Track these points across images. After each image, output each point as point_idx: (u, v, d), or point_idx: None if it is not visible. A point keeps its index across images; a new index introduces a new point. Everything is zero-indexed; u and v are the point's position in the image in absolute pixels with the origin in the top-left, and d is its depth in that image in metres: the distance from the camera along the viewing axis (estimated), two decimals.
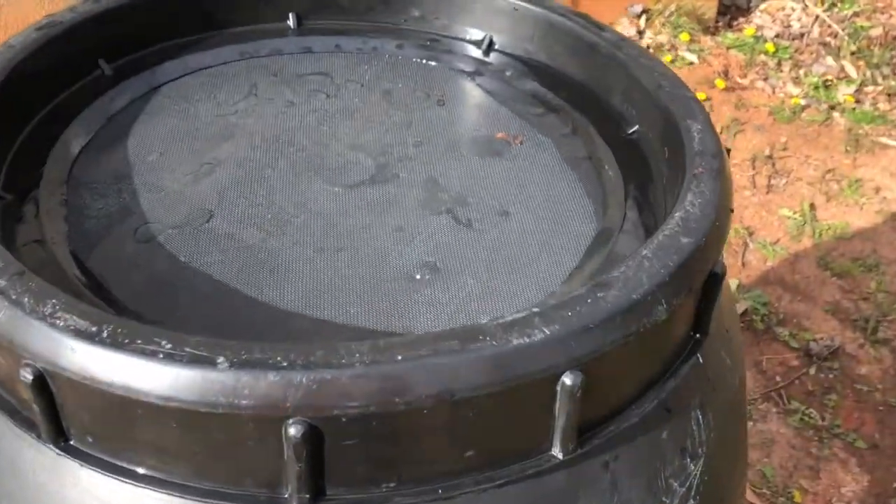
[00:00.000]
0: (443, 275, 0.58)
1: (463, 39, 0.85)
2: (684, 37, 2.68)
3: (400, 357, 0.43)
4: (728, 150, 0.64)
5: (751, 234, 1.97)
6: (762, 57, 2.62)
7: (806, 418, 1.56)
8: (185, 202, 0.63)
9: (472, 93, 0.79)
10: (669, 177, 0.63)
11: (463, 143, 0.72)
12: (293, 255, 0.59)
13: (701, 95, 2.41)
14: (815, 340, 1.70)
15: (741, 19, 2.82)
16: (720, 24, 2.76)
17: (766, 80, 2.55)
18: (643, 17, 2.73)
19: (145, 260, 0.58)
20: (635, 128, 0.71)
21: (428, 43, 0.85)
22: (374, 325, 0.54)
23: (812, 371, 1.66)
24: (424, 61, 0.83)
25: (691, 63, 2.60)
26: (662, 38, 2.71)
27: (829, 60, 2.61)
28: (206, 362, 0.43)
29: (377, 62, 0.83)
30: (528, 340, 0.45)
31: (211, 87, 0.77)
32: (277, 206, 0.63)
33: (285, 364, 0.43)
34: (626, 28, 2.68)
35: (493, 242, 0.61)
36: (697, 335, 0.57)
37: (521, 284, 0.58)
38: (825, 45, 2.68)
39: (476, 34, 0.85)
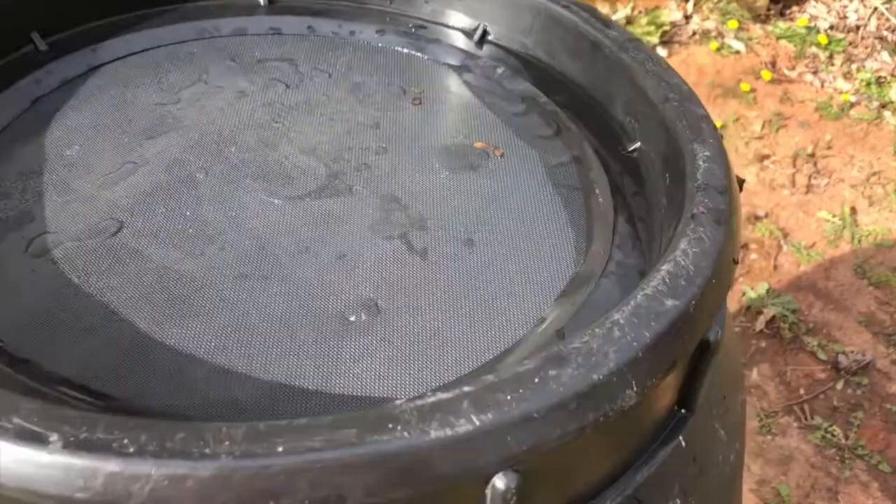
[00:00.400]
0: (383, 318, 0.49)
1: (453, 27, 0.74)
2: (732, 24, 2.55)
3: (282, 448, 0.34)
4: (742, 182, 0.54)
5: (785, 235, 1.87)
6: (813, 49, 2.48)
7: (828, 436, 1.48)
8: (94, 208, 0.54)
9: (456, 91, 0.69)
10: (668, 211, 0.53)
11: (435, 151, 0.62)
12: (209, 282, 0.50)
13: (745, 87, 2.30)
14: (844, 353, 1.61)
15: (794, 8, 2.67)
16: (772, 12, 2.62)
17: (815, 73, 2.41)
18: (691, 2, 2.60)
19: (31, 279, 0.49)
20: (636, 145, 0.60)
21: (413, 29, 0.75)
22: (284, 380, 0.45)
23: (839, 386, 1.58)
24: (406, 51, 0.73)
25: (738, 52, 2.48)
26: (709, 25, 2.59)
27: (885, 56, 2.47)
28: (36, 439, 0.34)
29: (352, 49, 0.73)
30: (450, 433, 0.35)
31: (156, 69, 0.68)
32: (202, 220, 0.54)
33: (132, 450, 0.33)
34: (672, 12, 2.55)
35: (448, 279, 0.51)
36: (683, 410, 0.47)
37: (475, 336, 0.48)
38: (882, 39, 2.53)
39: (468, 23, 0.74)
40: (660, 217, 0.54)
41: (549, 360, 0.37)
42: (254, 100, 0.65)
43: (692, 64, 2.44)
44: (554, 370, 0.37)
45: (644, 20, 2.53)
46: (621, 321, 0.39)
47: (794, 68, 2.45)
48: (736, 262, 0.47)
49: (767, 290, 1.72)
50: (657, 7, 2.56)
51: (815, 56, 2.47)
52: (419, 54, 0.73)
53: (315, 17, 0.75)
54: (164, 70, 0.68)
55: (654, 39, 2.49)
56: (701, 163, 0.50)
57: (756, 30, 2.57)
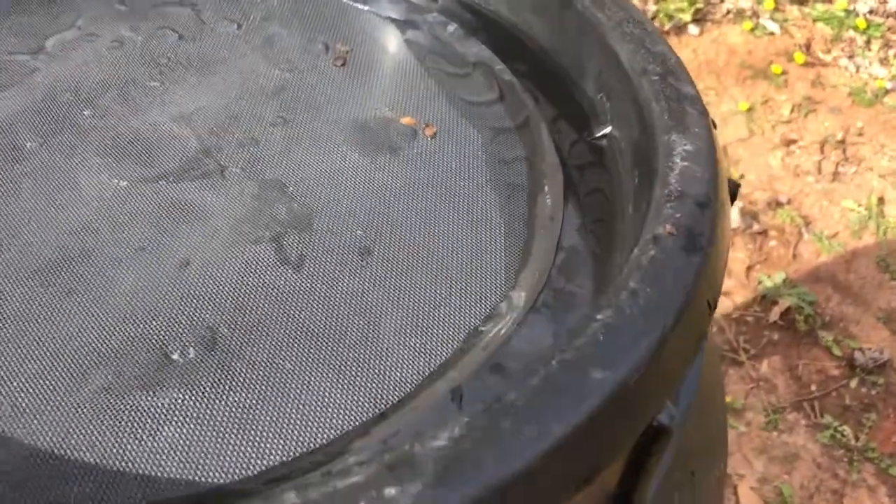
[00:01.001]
0: (218, 356, 0.35)
1: None
2: (769, 4, 2.39)
3: None
4: (736, 188, 0.39)
5: (807, 224, 1.77)
6: (850, 33, 2.32)
7: (838, 435, 1.38)
8: None
9: (393, 52, 0.55)
10: (631, 225, 0.39)
11: (347, 126, 0.48)
12: None
13: (776, 69, 2.16)
14: (861, 350, 1.50)
15: None
16: None
17: (850, 58, 2.25)
18: None
19: None
20: (605, 130, 0.46)
21: None
22: (61, 449, 0.31)
23: (853, 384, 1.47)
24: (343, 0, 0.59)
25: (772, 33, 2.33)
26: (744, 4, 2.43)
27: None
28: None
29: None
30: None
31: (15, 12, 0.54)
32: (12, 206, 0.41)
33: None
34: None
35: (324, 304, 0.38)
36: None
37: (342, 391, 0.34)
38: None
39: None
40: (622, 230, 0.40)
41: (390, 469, 0.24)
42: (132, 52, 0.52)
43: (723, 43, 2.31)
44: (393, 486, 0.23)
45: None
46: (519, 403, 0.26)
47: (829, 52, 2.30)
48: (712, 308, 0.33)
49: (784, 280, 1.62)
50: None
51: (852, 40, 2.31)
52: (358, 4, 0.59)
53: None
54: (32, 11, 0.54)
55: (687, 17, 2.35)
56: (678, 160, 0.36)
57: (793, 11, 2.42)
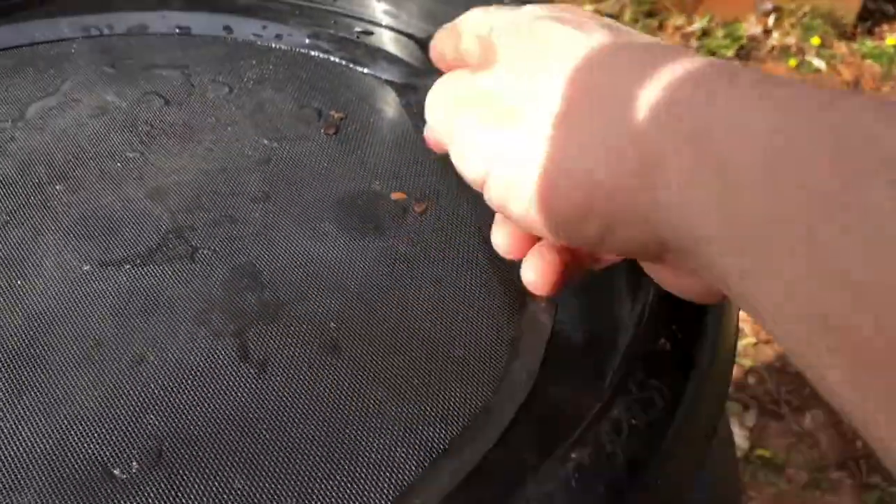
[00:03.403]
0: (163, 472, 0.32)
1: (406, 34, 0.57)
2: (815, 41, 2.33)
3: None
4: None
5: None
6: None
7: (886, 497, 1.32)
8: None
9: (390, 119, 0.52)
10: (630, 323, 0.35)
11: (333, 203, 0.45)
12: None
13: None
14: None
15: (884, 26, 2.44)
16: (859, 30, 2.39)
17: None
18: (772, 17, 2.40)
19: None
20: None
21: (357, 35, 0.58)
22: None
23: None
24: (341, 62, 0.56)
25: (818, 70, 2.28)
26: (790, 41, 2.38)
27: None
28: None
29: (273, 57, 0.57)
30: None
31: (6, 76, 0.52)
32: None
33: None
34: (751, 26, 2.36)
35: (280, 413, 0.34)
36: None
37: None
38: None
39: (425, 29, 0.57)
40: (620, 336, 0.36)
41: None
42: (114, 119, 0.50)
43: None
44: None
45: (721, 33, 2.34)
46: None
47: (878, 89, 2.23)
48: (710, 436, 0.28)
49: None
50: (736, 20, 2.37)
51: None
52: (357, 67, 0.56)
53: (236, 14, 0.59)
54: (19, 75, 0.53)
55: (730, 53, 2.30)
56: None
57: (841, 47, 2.36)
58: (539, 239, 0.36)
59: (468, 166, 0.33)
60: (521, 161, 0.30)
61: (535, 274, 0.35)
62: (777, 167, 0.21)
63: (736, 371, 1.51)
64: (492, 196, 0.33)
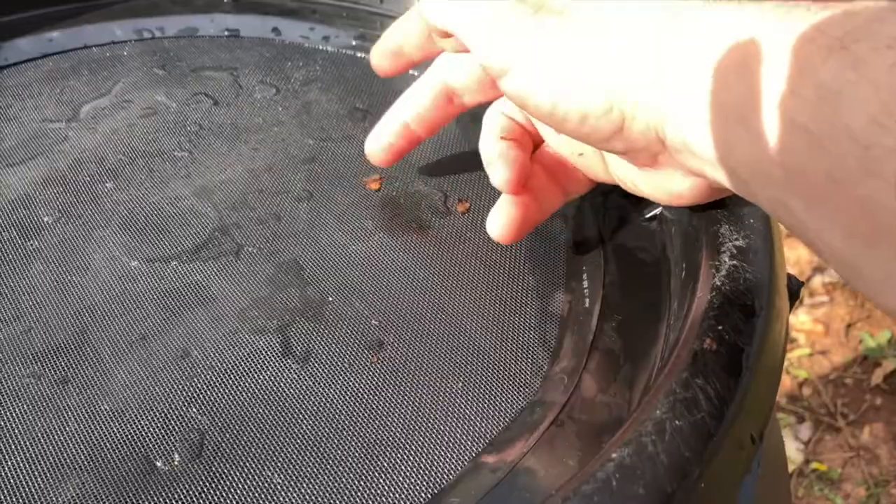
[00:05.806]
0: (205, 464, 0.32)
1: None
2: None
3: None
4: (800, 285, 0.34)
5: None
6: None
7: None
8: None
9: None
10: (676, 325, 0.34)
11: (376, 200, 0.45)
12: None
13: None
14: None
15: None
16: None
17: None
18: None
19: None
20: (656, 210, 0.41)
21: None
22: None
23: None
24: None
25: None
26: None
27: None
28: None
29: (320, 59, 0.57)
30: None
31: (62, 78, 0.54)
32: (20, 284, 0.39)
33: None
34: None
35: (322, 409, 0.34)
36: None
37: None
38: None
39: None
40: (664, 333, 0.35)
41: None
42: (164, 119, 0.50)
43: None
44: None
45: None
46: None
47: None
48: (756, 441, 0.27)
49: (889, 339, 1.50)
50: None
51: None
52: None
53: (285, 17, 0.60)
54: (73, 77, 0.54)
55: None
56: (726, 259, 0.32)
57: None
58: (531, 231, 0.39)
59: (496, 51, 0.33)
60: (554, 50, 0.31)
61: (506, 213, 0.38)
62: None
63: (790, 382, 1.47)
64: (515, 85, 0.32)
